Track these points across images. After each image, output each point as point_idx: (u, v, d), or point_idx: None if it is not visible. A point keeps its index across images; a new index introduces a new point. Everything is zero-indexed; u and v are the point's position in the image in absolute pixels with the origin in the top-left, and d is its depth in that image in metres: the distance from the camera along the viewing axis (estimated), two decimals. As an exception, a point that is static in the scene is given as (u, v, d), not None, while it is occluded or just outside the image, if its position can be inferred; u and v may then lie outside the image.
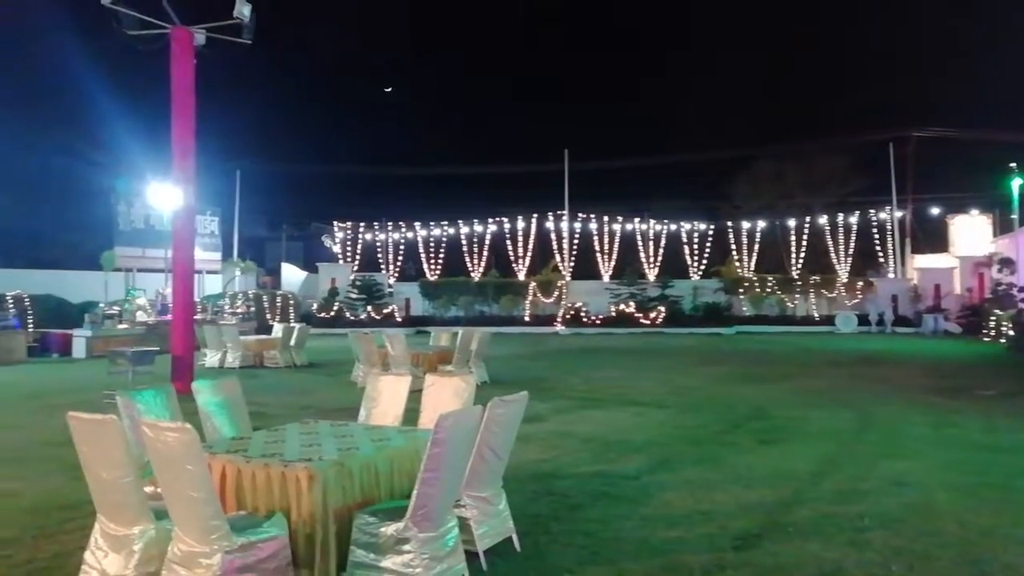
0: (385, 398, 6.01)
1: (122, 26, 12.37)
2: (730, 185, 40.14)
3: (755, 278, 32.47)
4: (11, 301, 20.19)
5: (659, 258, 35.68)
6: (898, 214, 33.25)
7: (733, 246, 35.49)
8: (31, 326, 19.92)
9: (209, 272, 30.08)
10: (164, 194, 27.55)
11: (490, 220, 35.49)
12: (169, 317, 21.26)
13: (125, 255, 26.76)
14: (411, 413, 5.76)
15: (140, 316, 21.68)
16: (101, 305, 21.74)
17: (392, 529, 4.02)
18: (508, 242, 35.38)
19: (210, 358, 16.90)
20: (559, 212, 34.39)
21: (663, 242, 35.81)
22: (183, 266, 12.57)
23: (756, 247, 35.31)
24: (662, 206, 37.08)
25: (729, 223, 35.68)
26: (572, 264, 34.62)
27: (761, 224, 35.31)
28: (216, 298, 26.77)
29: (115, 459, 3.94)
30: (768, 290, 31.64)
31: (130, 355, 10.97)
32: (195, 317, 15.61)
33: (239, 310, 25.91)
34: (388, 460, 4.67)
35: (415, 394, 5.85)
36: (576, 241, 34.99)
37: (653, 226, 35.97)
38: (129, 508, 4.00)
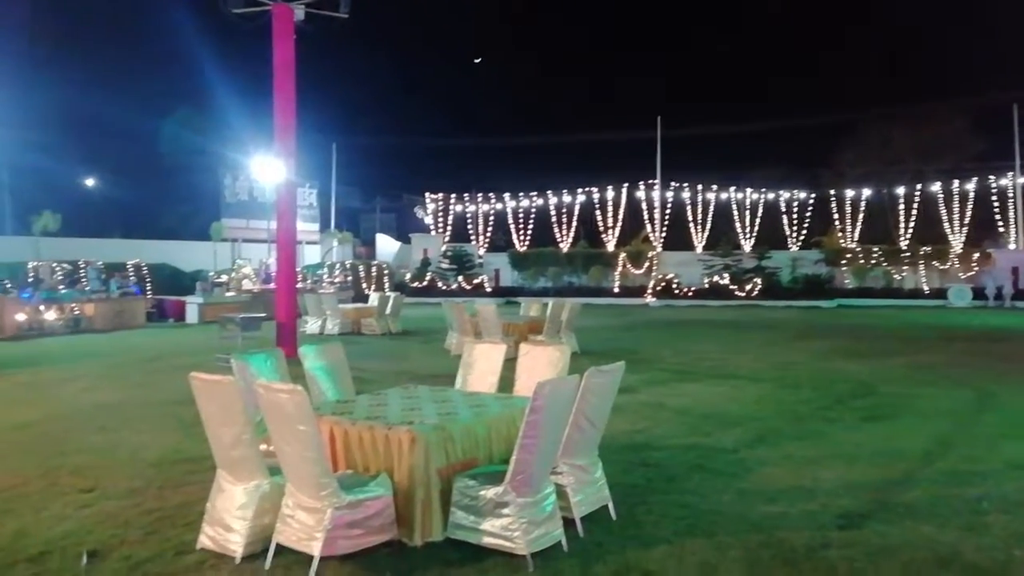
0: (481, 365, 6.09)
1: (228, 5, 12.86)
2: (834, 151, 38.16)
3: (859, 249, 30.94)
4: (131, 269, 21.67)
5: (755, 228, 34.52)
6: (1021, 180, 30.80)
7: (836, 215, 33.92)
8: (149, 293, 21.32)
9: (308, 243, 31.24)
10: (267, 167, 28.80)
11: (579, 190, 35.22)
12: (273, 285, 22.31)
13: (231, 226, 28.15)
14: (504, 381, 5.82)
15: (246, 284, 22.81)
16: (210, 274, 23.01)
17: (492, 493, 4.10)
18: (597, 212, 35.04)
19: (311, 325, 17.61)
20: (651, 181, 33.72)
21: (760, 211, 34.61)
22: (286, 237, 13.08)
23: (861, 216, 33.62)
24: (759, 174, 35.78)
25: (832, 191, 34.08)
26: (663, 235, 33.97)
27: (867, 192, 33.56)
28: (315, 268, 27.81)
29: (232, 417, 4.16)
30: (873, 262, 30.09)
31: (239, 321, 11.59)
32: (297, 286, 16.28)
33: (337, 279, 26.84)
34: (486, 425, 4.75)
35: (508, 362, 5.91)
36: (668, 211, 34.26)
37: (749, 195, 34.79)
38: (245, 463, 4.23)
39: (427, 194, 38.09)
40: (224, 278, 22.90)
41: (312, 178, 33.84)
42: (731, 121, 40.64)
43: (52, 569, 4.03)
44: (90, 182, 41.15)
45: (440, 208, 37.78)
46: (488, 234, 37.58)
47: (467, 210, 37.48)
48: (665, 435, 7.17)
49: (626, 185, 34.31)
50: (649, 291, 29.61)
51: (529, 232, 36.60)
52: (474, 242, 36.63)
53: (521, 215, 36.76)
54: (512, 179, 37.26)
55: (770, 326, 19.90)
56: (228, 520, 4.20)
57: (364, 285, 28.44)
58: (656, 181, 33.32)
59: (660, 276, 30.27)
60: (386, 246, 36.72)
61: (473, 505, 4.17)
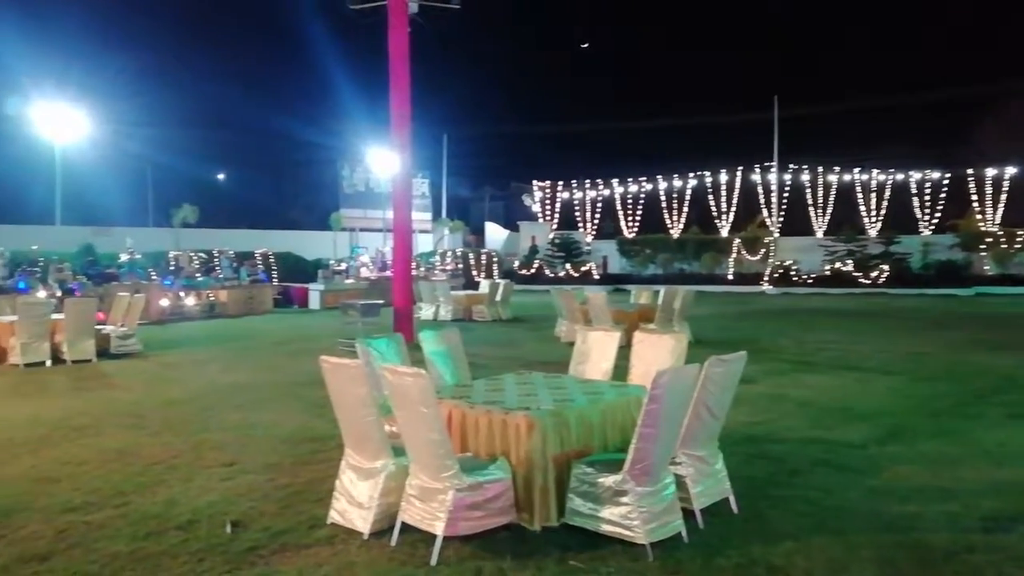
0: (595, 353, 6.07)
1: (347, 1, 13.36)
2: (973, 128, 35.21)
3: (1001, 233, 28.48)
4: (259, 258, 23.00)
5: (882, 211, 32.52)
6: None
7: (974, 197, 31.37)
8: (275, 280, 22.57)
9: (421, 232, 32.11)
10: (382, 159, 29.79)
11: (691, 174, 34.30)
12: (388, 273, 23.10)
13: (349, 216, 29.36)
14: (618, 369, 5.78)
15: (363, 272, 23.72)
16: (331, 262, 24.08)
17: (610, 481, 4.09)
18: (710, 197, 34.03)
19: (424, 311, 18.11)
20: (767, 164, 32.32)
21: (887, 193, 32.57)
22: (402, 226, 13.49)
23: (1003, 198, 30.95)
24: (886, 153, 33.59)
25: (970, 171, 31.50)
26: (781, 219, 32.54)
27: (1011, 171, 30.82)
28: (428, 256, 28.54)
29: (359, 399, 4.35)
30: (1018, 246, 27.64)
31: (360, 307, 12.09)
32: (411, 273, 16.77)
33: (448, 267, 27.44)
34: (601, 413, 4.74)
35: (621, 350, 5.86)
36: (786, 194, 32.78)
37: (876, 176, 32.77)
38: (372, 443, 4.42)
39: (535, 182, 38.21)
40: (343, 266, 23.92)
41: (424, 168, 34.72)
42: (854, 97, 38.32)
43: (200, 536, 4.36)
44: (221, 176, 44.03)
45: (548, 195, 37.83)
46: (596, 221, 37.31)
47: (575, 197, 37.33)
48: (787, 428, 6.90)
49: (740, 168, 33.10)
50: (766, 278, 28.50)
51: (638, 218, 36.04)
52: (582, 229, 36.47)
53: (630, 201, 36.24)
54: (620, 164, 36.80)
55: (900, 315, 18.72)
56: (356, 497, 4.40)
57: (474, 272, 28.94)
58: (773, 163, 31.92)
59: (777, 262, 29.07)
60: (495, 234, 37.18)
61: (591, 492, 4.17)
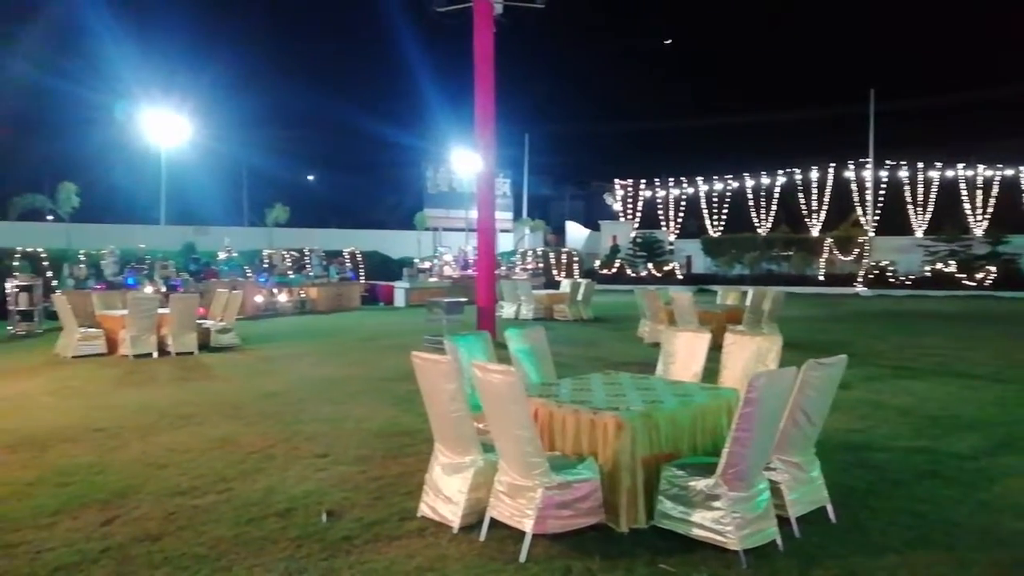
0: (683, 354, 5.96)
1: (432, 4, 13.58)
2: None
3: None
4: (347, 257, 23.69)
5: (988, 209, 30.59)
6: None
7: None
8: (363, 278, 23.20)
9: (502, 231, 32.34)
10: (465, 159, 30.17)
11: (779, 171, 33.23)
12: (470, 272, 23.37)
13: (433, 216, 29.88)
14: (706, 371, 5.66)
15: (446, 271, 24.08)
16: (415, 261, 24.57)
17: (702, 484, 4.01)
18: (800, 194, 32.87)
19: (506, 310, 18.23)
20: (862, 160, 30.94)
21: (995, 190, 30.61)
22: (486, 225, 13.61)
23: None
24: (994, 147, 31.57)
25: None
26: (876, 218, 31.09)
27: None
28: (509, 255, 28.72)
29: (449, 394, 4.41)
30: None
31: (444, 305, 12.27)
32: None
33: (529, 266, 27.53)
34: (691, 415, 4.65)
35: (710, 352, 5.73)
36: (882, 192, 31.30)
37: (982, 172, 30.85)
38: (461, 439, 4.48)
39: (616, 180, 37.87)
40: (427, 265, 24.36)
41: (505, 168, 34.95)
42: (956, 89, 36.21)
43: (297, 523, 4.53)
44: (311, 177, 45.61)
45: (629, 194, 37.42)
46: (679, 219, 36.65)
47: (657, 195, 36.77)
48: (887, 436, 6.59)
49: (833, 164, 31.82)
50: (860, 279, 27.30)
51: (723, 217, 35.19)
52: (664, 228, 35.89)
53: (715, 199, 35.42)
54: (705, 162, 36.02)
55: (1011, 319, 17.58)
56: (446, 492, 4.47)
57: (554, 272, 28.93)
58: (868, 159, 30.53)
59: (872, 263, 27.80)
60: (575, 233, 37.04)
61: (682, 496, 4.10)
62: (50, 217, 19.48)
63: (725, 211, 35.14)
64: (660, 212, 36.87)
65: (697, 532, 4.03)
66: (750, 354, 5.53)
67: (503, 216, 33.17)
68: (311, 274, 21.15)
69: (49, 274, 16.48)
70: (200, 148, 27.30)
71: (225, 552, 4.10)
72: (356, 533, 4.35)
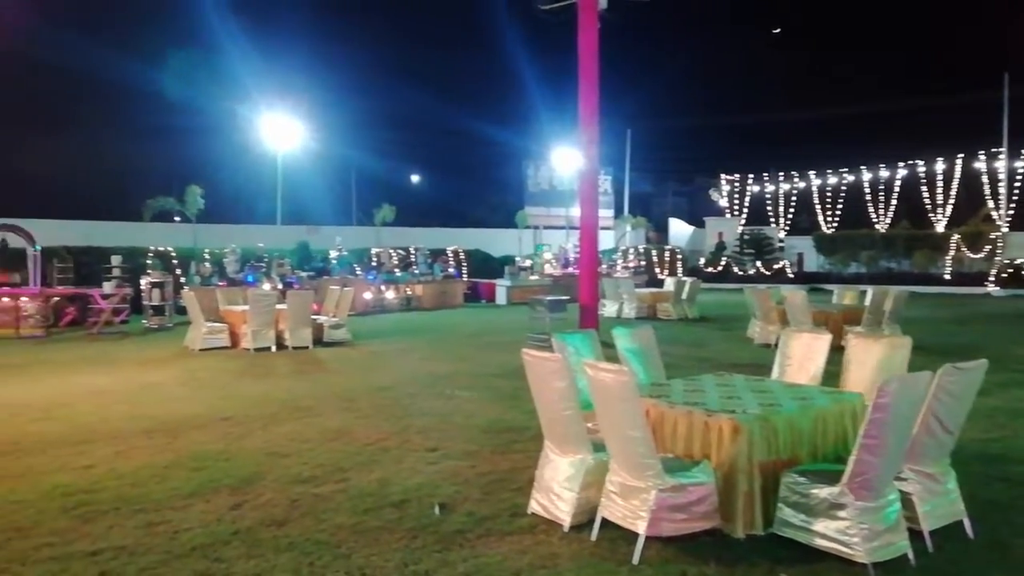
0: (800, 356, 5.72)
1: (537, 2, 13.62)
2: None
3: None
4: (450, 255, 24.16)
5: None
6: None
7: None
8: (465, 276, 23.60)
9: (603, 228, 32.05)
10: (566, 158, 30.12)
11: (900, 164, 31.29)
12: (571, 270, 23.32)
13: (533, 214, 29.99)
14: (826, 374, 5.40)
15: (547, 269, 24.14)
16: (516, 259, 24.76)
17: (826, 493, 3.82)
18: (923, 188, 30.84)
19: (608, 308, 18.06)
20: (994, 150, 28.67)
21: None
22: (588, 223, 13.53)
23: None
24: None
25: None
26: (1011, 212, 28.73)
27: None
28: (610, 253, 28.45)
29: (559, 392, 4.40)
30: None
31: (547, 303, 12.31)
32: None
33: (631, 264, 27.19)
34: (812, 420, 4.45)
35: (828, 354, 5.47)
36: (1017, 183, 28.90)
37: None
38: (571, 437, 4.46)
39: (722, 175, 36.77)
40: (528, 263, 24.50)
41: (606, 165, 34.63)
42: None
43: (412, 515, 4.65)
44: (415, 178, 46.82)
45: (736, 189, 36.26)
46: (790, 215, 35.17)
47: (766, 190, 35.43)
48: (1029, 448, 6.08)
49: (960, 156, 29.65)
50: (991, 278, 25.35)
51: (838, 212, 33.49)
52: (774, 224, 34.55)
53: (829, 194, 33.76)
54: (818, 155, 34.33)
55: None
56: (556, 489, 4.47)
57: (657, 270, 28.45)
58: (1002, 149, 28.26)
59: (1006, 260, 25.75)
60: (679, 230, 36.26)
61: (804, 504, 3.92)
62: (177, 218, 20.88)
63: (840, 206, 33.42)
64: (769, 208, 35.51)
65: (820, 542, 3.85)
66: (876, 357, 5.23)
67: (604, 213, 32.77)
68: (417, 272, 21.69)
69: (178, 271, 17.67)
70: (312, 151, 28.59)
71: (345, 540, 4.26)
72: (468, 527, 4.42)
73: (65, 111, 32.92)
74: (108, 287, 15.31)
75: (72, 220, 20.60)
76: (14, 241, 16.54)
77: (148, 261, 17.56)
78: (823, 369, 5.46)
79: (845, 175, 32.88)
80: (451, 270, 22.71)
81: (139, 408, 7.79)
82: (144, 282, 15.85)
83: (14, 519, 4.60)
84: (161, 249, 18.38)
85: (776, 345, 6.00)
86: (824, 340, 5.63)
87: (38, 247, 15.62)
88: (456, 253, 24.43)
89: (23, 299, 14.45)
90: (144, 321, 15.48)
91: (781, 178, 34.94)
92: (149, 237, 18.92)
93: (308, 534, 4.34)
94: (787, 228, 34.62)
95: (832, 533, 3.80)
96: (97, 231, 19.31)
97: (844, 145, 35.44)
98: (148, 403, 8.07)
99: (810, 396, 4.79)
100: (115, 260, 16.29)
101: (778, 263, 29.57)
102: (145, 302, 15.66)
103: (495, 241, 27.52)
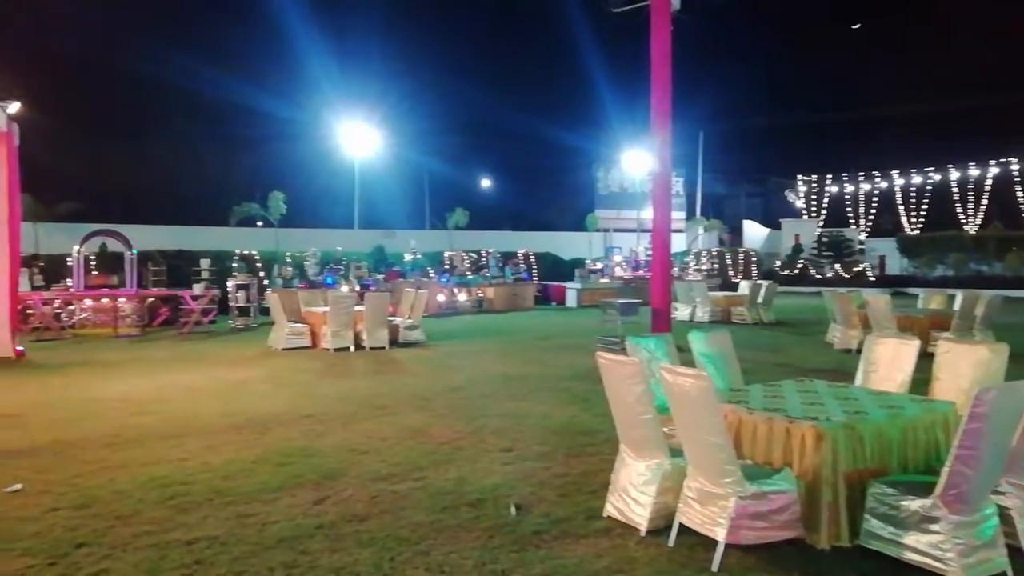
0: (886, 362, 5.53)
1: (609, 4, 13.58)
2: None
3: None
4: (521, 258, 24.29)
5: None
6: None
7: None
8: (536, 279, 23.69)
9: (675, 231, 31.63)
10: (636, 160, 29.87)
11: (991, 161, 29.73)
12: (642, 273, 23.11)
13: (604, 217, 29.86)
14: (913, 381, 5.21)
15: (617, 272, 23.98)
16: (587, 262, 24.69)
17: (917, 505, 3.69)
18: (1017, 187, 29.20)
19: (680, 312, 17.82)
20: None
21: None
22: (661, 226, 13.38)
23: None
24: None
25: None
26: (1118, 211, 26.94)
27: None
28: (682, 256, 28.05)
29: (636, 396, 4.39)
30: None
31: (619, 306, 12.25)
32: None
33: (703, 267, 26.72)
34: (901, 429, 4.30)
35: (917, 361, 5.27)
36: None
37: None
38: (647, 441, 4.45)
39: (799, 176, 35.76)
40: (599, 266, 24.40)
41: (678, 166, 34.14)
42: None
43: (488, 514, 4.72)
44: (486, 182, 47.23)
45: (813, 190, 35.19)
46: (871, 216, 33.89)
47: (845, 191, 34.26)
48: None
49: (1060, 152, 27.97)
50: (1094, 282, 23.80)
51: (922, 213, 32.08)
52: (854, 226, 33.37)
53: (912, 194, 32.38)
54: (901, 154, 32.97)
55: None
56: (632, 493, 4.46)
57: (731, 273, 27.87)
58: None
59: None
60: (753, 232, 35.43)
61: (893, 516, 3.80)
62: (259, 223, 21.71)
63: (925, 206, 32.00)
64: (848, 209, 34.36)
65: (910, 556, 3.72)
66: (970, 364, 5.02)
67: (676, 216, 32.38)
68: (488, 275, 21.91)
69: (261, 274, 18.38)
70: (387, 156, 29.26)
71: (424, 537, 4.37)
72: (545, 528, 4.45)
73: (159, 122, 34.74)
74: (197, 289, 16.06)
75: (165, 225, 21.74)
76: (112, 245, 17.55)
77: (234, 264, 18.34)
78: (911, 376, 5.27)
79: (931, 174, 31.46)
80: (522, 273, 22.84)
81: (228, 404, 8.16)
82: (230, 284, 16.56)
83: (115, 507, 4.90)
84: (246, 252, 19.17)
85: (858, 351, 5.83)
86: (912, 346, 5.42)
87: (135, 251, 16.54)
88: (526, 256, 24.55)
89: (121, 300, 15.32)
90: (230, 321, 16.16)
91: (862, 178, 33.73)
92: (235, 241, 19.76)
93: (388, 530, 4.47)
94: (868, 230, 33.39)
95: (924, 547, 3.66)
96: (187, 236, 20.34)
97: (929, 143, 33.90)
98: (236, 400, 8.43)
99: (898, 404, 4.63)
100: (204, 263, 17.09)
101: (858, 266, 28.55)
102: (231, 303, 16.35)
103: (565, 244, 27.52)
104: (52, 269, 17.19)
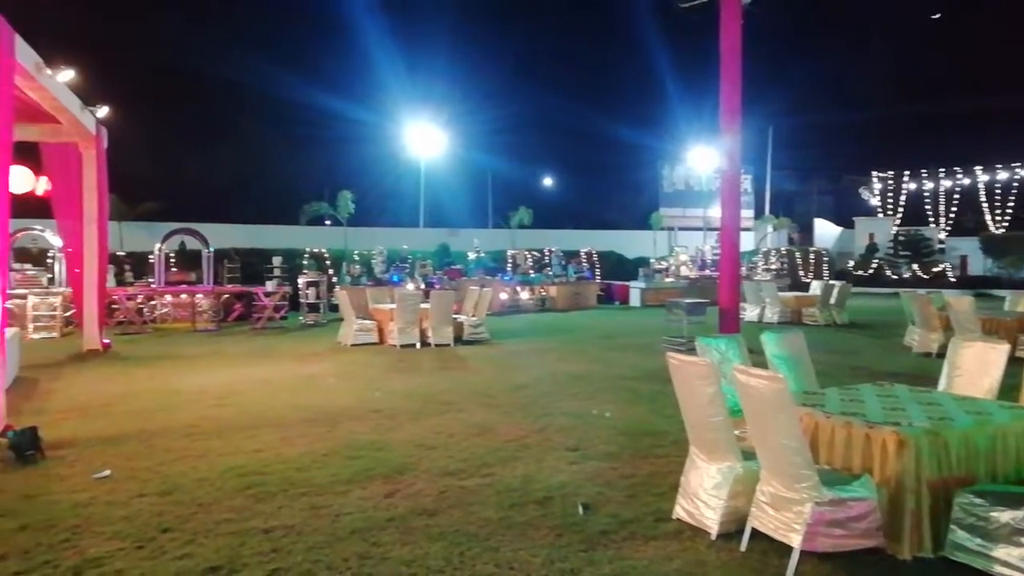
0: (972, 367, 5.30)
1: (677, 0, 13.37)
2: None
3: None
4: (584, 257, 24.19)
5: None
6: None
7: None
8: (598, 278, 23.55)
9: (742, 229, 30.91)
10: (703, 157, 29.36)
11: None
12: (708, 272, 22.70)
13: (668, 215, 29.45)
14: (1003, 387, 4.97)
15: (683, 271, 23.62)
16: (651, 260, 24.41)
17: (1008, 517, 3.52)
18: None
19: (748, 312, 17.43)
20: None
21: None
22: (730, 224, 13.11)
23: None
24: None
25: None
26: None
27: None
28: (750, 255, 27.44)
29: (708, 398, 4.31)
30: None
31: (685, 306, 12.06)
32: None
33: (772, 267, 26.07)
34: (990, 437, 4.11)
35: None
36: None
37: None
38: (719, 444, 4.37)
39: (873, 173, 34.49)
40: (663, 265, 24.09)
41: (746, 163, 33.35)
42: None
43: (555, 512, 4.72)
44: (548, 180, 47.19)
45: (889, 187, 33.89)
46: (951, 214, 32.42)
47: (924, 188, 32.86)
48: None
49: None
50: None
51: (1008, 210, 30.49)
52: (933, 224, 31.99)
53: (998, 190, 30.82)
54: (985, 149, 31.41)
55: None
56: (702, 496, 4.39)
57: (801, 272, 27.09)
58: None
59: None
60: (825, 231, 34.37)
61: (981, 527, 3.63)
62: (328, 222, 22.26)
63: (1011, 204, 30.42)
64: (927, 206, 32.96)
65: (1000, 570, 3.55)
66: (1064, 370, 4.76)
67: (744, 214, 31.68)
68: (551, 273, 21.90)
69: (331, 271, 18.84)
70: (452, 156, 29.56)
71: (492, 533, 4.40)
72: (613, 529, 4.43)
73: (234, 124, 36.06)
74: (270, 286, 16.57)
75: (239, 224, 22.52)
76: (191, 243, 18.28)
77: (304, 262, 18.85)
78: (999, 382, 5.03)
79: (1018, 170, 29.88)
80: (584, 272, 22.74)
81: (299, 398, 8.39)
82: (301, 281, 17.03)
83: (197, 495, 5.10)
84: (316, 250, 19.68)
85: (939, 354, 5.61)
86: (1001, 350, 5.17)
87: (211, 249, 17.18)
88: (589, 255, 24.42)
89: (198, 296, 15.95)
90: (301, 318, 16.62)
91: (942, 174, 32.30)
92: (305, 239, 20.31)
93: (457, 525, 4.52)
94: (948, 228, 31.96)
95: (1015, 561, 3.49)
96: (260, 234, 21.02)
97: (1015, 137, 32.19)
98: (307, 393, 8.67)
99: (987, 411, 4.42)
100: (276, 261, 17.63)
101: (938, 266, 27.37)
102: (302, 300, 16.81)
103: (629, 243, 27.26)
104: (135, 266, 18.02)
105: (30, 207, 13.39)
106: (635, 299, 21.85)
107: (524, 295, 20.13)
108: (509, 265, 21.95)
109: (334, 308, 16.00)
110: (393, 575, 3.87)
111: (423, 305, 12.77)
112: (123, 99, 14.48)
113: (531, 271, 21.82)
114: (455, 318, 13.16)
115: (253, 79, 30.77)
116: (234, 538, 4.34)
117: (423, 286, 16.96)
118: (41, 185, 11.85)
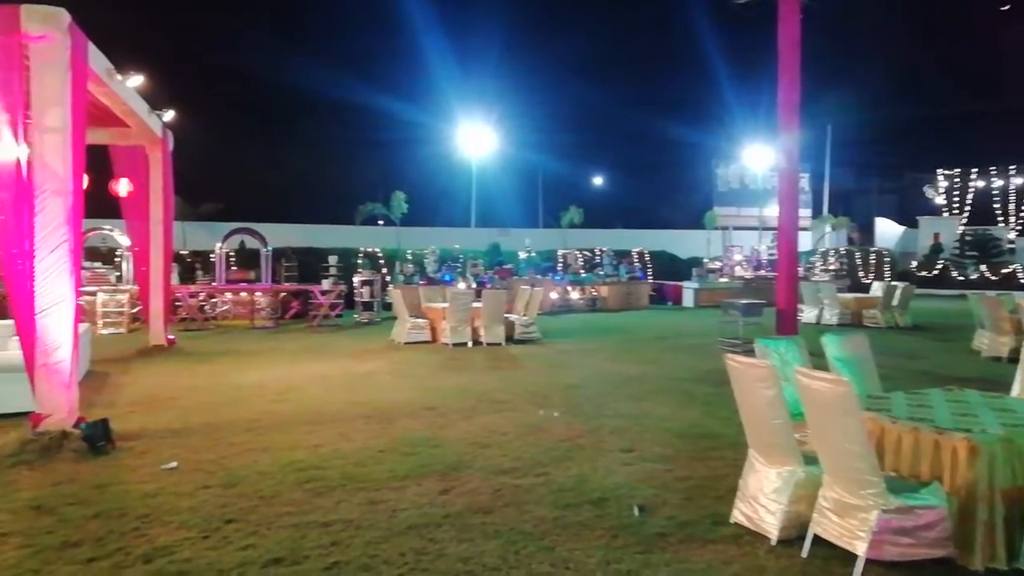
0: (1049, 372, 5.07)
1: (734, -3, 13.12)
2: None
3: None
4: (635, 256, 23.99)
5: None
6: None
7: None
8: (650, 278, 23.31)
9: (800, 229, 30.21)
10: (758, 155, 28.79)
11: None
12: (764, 272, 22.25)
13: (723, 214, 28.92)
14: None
15: (738, 271, 23.21)
16: (705, 260, 24.05)
17: (1090, 529, 3.37)
18: None
19: (806, 314, 17.00)
20: None
21: None
22: (788, 223, 12.82)
23: None
24: None
25: None
26: None
27: None
28: (808, 255, 26.79)
29: (768, 401, 4.23)
30: None
31: (741, 307, 11.85)
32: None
33: (831, 267, 25.41)
34: (1067, 446, 3.93)
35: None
36: None
37: None
38: (779, 448, 4.28)
39: (938, 170, 33.28)
40: (717, 265, 23.71)
41: (804, 161, 32.56)
42: None
43: (611, 513, 4.70)
44: (598, 180, 46.92)
45: (955, 185, 32.67)
46: (1022, 214, 31.08)
47: (992, 185, 31.58)
48: None
49: None
50: None
51: (1086, 209, 29.08)
52: (1002, 224, 30.71)
53: (1074, 188, 29.41)
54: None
55: None
56: (762, 501, 4.31)
57: (861, 273, 26.34)
58: None
59: None
60: (886, 230, 33.31)
61: (1060, 539, 3.48)
62: (382, 222, 22.57)
63: (1089, 202, 29.02)
64: (997, 205, 31.65)
65: (1081, 585, 3.40)
66: None
67: (802, 213, 30.92)
68: (602, 273, 21.77)
69: (384, 270, 19.11)
70: (503, 156, 29.65)
71: (547, 532, 4.40)
72: (669, 531, 4.39)
73: (291, 126, 36.92)
74: (326, 284, 16.89)
75: (296, 224, 23.02)
76: (250, 243, 18.76)
77: (359, 261, 19.17)
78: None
79: (1098, 166, 28.48)
80: (636, 271, 22.54)
81: (356, 395, 8.54)
82: (356, 280, 17.32)
83: (259, 488, 5.23)
84: (370, 250, 19.98)
85: (1010, 359, 5.39)
86: (1081, 356, 4.95)
87: (270, 248, 17.61)
88: (641, 254, 24.20)
89: (257, 294, 16.37)
90: (355, 316, 16.90)
91: (1012, 172, 30.98)
92: (359, 239, 20.64)
93: (513, 523, 4.54)
94: (1019, 228, 30.63)
95: (1097, 576, 3.34)
96: (316, 233, 21.45)
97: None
98: (363, 390, 8.82)
99: (1065, 419, 4.23)
100: (331, 260, 17.96)
101: (1007, 267, 26.24)
102: (356, 298, 17.10)
103: (681, 242, 26.90)
104: (195, 265, 18.59)
105: (100, 207, 13.94)
106: (688, 299, 21.57)
107: (575, 295, 20.06)
108: (560, 265, 21.91)
109: (387, 307, 16.22)
110: (450, 571, 3.91)
111: (475, 304, 12.85)
112: (187, 102, 14.94)
113: (582, 271, 21.73)
114: (507, 317, 13.19)
115: (312, 82, 31.44)
116: (295, 531, 4.44)
117: (474, 285, 17.05)
118: (123, 187, 12.36)
